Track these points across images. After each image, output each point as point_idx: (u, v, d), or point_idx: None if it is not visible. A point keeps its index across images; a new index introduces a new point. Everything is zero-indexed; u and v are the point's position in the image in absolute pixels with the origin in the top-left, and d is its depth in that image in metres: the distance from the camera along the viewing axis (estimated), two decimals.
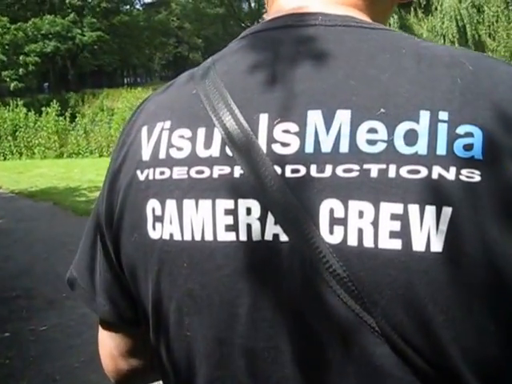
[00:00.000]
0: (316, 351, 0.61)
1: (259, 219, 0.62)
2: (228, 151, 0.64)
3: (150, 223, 0.68)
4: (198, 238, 0.65)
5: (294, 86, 0.63)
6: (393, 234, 0.57)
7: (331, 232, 0.59)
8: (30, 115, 16.35)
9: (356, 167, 0.59)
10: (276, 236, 0.61)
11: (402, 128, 0.58)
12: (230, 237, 0.63)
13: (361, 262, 0.58)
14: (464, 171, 0.56)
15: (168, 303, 0.68)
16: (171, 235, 0.66)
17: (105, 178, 0.77)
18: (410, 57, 0.62)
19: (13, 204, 9.25)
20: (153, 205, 0.68)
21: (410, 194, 0.57)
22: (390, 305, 0.57)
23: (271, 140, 0.62)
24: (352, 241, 0.58)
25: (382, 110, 0.59)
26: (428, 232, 0.56)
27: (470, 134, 0.57)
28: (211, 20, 49.44)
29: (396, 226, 0.57)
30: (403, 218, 0.57)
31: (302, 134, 0.61)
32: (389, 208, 0.57)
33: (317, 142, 0.60)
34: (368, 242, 0.58)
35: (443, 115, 0.58)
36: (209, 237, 0.64)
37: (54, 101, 17.02)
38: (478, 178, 0.56)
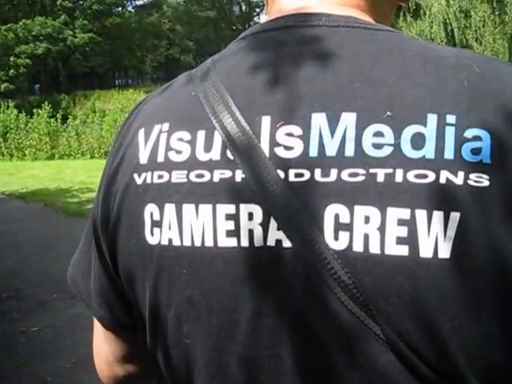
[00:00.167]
0: (319, 359, 0.60)
1: (261, 224, 0.61)
2: (229, 155, 0.62)
3: (148, 228, 0.67)
4: (197, 243, 0.63)
5: (297, 87, 0.62)
6: (400, 240, 0.56)
7: (336, 238, 0.58)
8: (20, 117, 16.29)
9: (362, 171, 0.57)
10: (279, 242, 0.60)
11: (409, 131, 0.57)
12: (231, 242, 0.62)
13: (366, 268, 0.57)
14: (472, 176, 0.55)
15: (166, 310, 0.67)
16: (170, 240, 0.65)
17: (100, 181, 0.76)
18: (415, 59, 0.61)
19: (3, 205, 9.19)
20: (151, 209, 0.66)
21: (418, 199, 0.56)
22: (396, 312, 0.57)
23: (274, 143, 0.61)
24: (358, 247, 0.57)
25: (389, 113, 0.58)
26: (436, 238, 0.55)
27: (477, 138, 0.56)
28: (202, 23, 49.72)
29: (403, 231, 0.56)
30: (410, 224, 0.56)
31: (305, 138, 0.60)
32: (396, 213, 0.56)
33: (321, 146, 0.59)
34: (374, 248, 0.57)
35: (451, 118, 0.57)
36: (209, 242, 0.63)
37: (46, 102, 17.00)
38: (486, 183, 0.55)
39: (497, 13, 16.83)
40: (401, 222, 0.56)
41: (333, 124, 0.59)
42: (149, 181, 0.67)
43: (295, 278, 0.59)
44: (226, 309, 0.63)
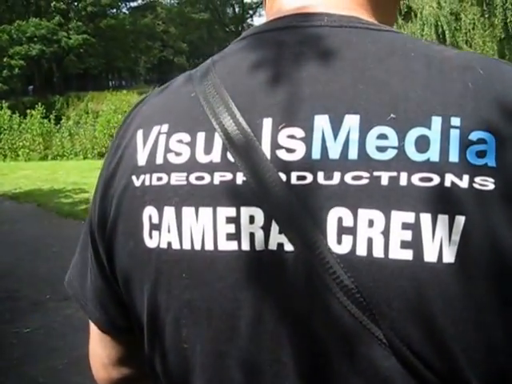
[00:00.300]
0: (321, 364, 0.59)
1: (263, 228, 0.60)
2: (229, 157, 0.61)
3: (147, 231, 0.66)
4: (197, 247, 0.62)
5: (299, 89, 0.61)
6: (404, 244, 0.55)
7: (339, 242, 0.57)
8: (14, 117, 16.28)
9: (366, 174, 0.57)
10: (280, 245, 0.59)
11: (413, 134, 0.56)
12: (232, 246, 0.61)
13: (370, 272, 0.56)
14: (477, 179, 0.55)
15: (165, 314, 0.66)
16: (169, 244, 0.64)
17: (97, 182, 0.75)
18: (419, 60, 0.61)
19: None
20: (149, 212, 0.65)
21: (422, 202, 0.55)
22: (400, 317, 0.56)
23: (275, 145, 0.60)
24: (361, 251, 0.56)
25: (392, 115, 0.57)
26: (440, 242, 0.55)
27: (482, 141, 0.55)
28: (196, 24, 49.90)
29: (407, 235, 0.55)
30: (415, 228, 0.55)
31: (308, 140, 0.59)
32: (400, 217, 0.55)
33: (324, 148, 0.58)
34: (378, 252, 0.56)
35: (455, 121, 0.56)
36: (209, 246, 0.62)
37: (39, 103, 16.99)
38: (491, 186, 0.55)
39: (486, 15, 17.10)
40: (405, 226, 0.55)
41: (336, 126, 0.58)
42: (147, 183, 0.66)
43: (297, 282, 0.59)
44: (226, 313, 0.62)
